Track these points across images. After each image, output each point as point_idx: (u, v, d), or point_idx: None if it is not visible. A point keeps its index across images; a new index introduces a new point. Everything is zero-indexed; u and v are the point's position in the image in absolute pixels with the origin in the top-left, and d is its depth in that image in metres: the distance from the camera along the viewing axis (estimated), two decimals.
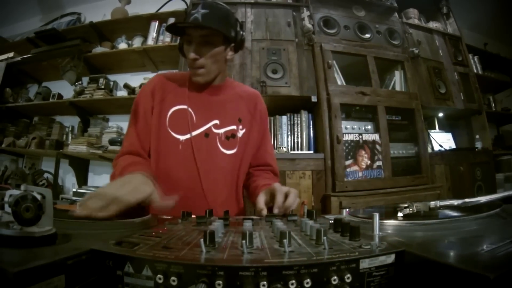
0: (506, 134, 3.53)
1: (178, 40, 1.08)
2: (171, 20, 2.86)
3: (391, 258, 0.40)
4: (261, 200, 0.91)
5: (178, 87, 1.10)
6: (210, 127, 1.07)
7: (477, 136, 2.98)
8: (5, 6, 3.33)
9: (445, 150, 2.77)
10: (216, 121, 1.08)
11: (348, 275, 0.36)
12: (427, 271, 0.37)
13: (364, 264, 0.38)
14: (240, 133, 1.11)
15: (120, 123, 3.01)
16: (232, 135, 1.09)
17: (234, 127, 1.11)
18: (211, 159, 1.05)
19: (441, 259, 0.36)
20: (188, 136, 1.04)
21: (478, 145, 2.93)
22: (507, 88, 3.66)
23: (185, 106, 1.06)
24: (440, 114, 3.02)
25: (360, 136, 2.30)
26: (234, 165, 1.10)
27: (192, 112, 1.06)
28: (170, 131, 1.04)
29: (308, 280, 0.34)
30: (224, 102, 1.12)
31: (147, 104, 1.06)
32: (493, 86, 3.56)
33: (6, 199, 0.41)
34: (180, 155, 1.03)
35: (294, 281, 0.34)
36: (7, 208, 0.40)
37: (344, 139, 2.23)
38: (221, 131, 1.08)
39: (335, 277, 0.36)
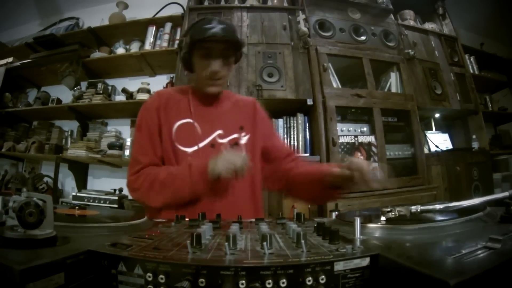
0: (504, 134, 3.54)
1: (182, 54, 1.10)
2: (168, 25, 2.89)
3: (366, 261, 0.42)
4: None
5: (180, 102, 1.13)
6: (215, 138, 1.10)
7: (474, 136, 2.99)
8: (4, 10, 3.35)
9: (442, 150, 2.79)
10: (220, 131, 1.11)
11: (323, 276, 0.39)
12: (398, 274, 0.39)
13: (339, 266, 0.40)
14: (244, 140, 1.14)
15: (118, 127, 3.05)
16: (235, 143, 1.12)
17: (236, 135, 1.13)
18: None
19: (409, 263, 0.38)
20: (195, 148, 1.07)
21: (475, 145, 2.94)
22: (504, 87, 3.68)
23: (190, 120, 1.09)
24: (437, 115, 3.03)
25: (356, 138, 2.32)
26: None
27: (197, 125, 1.09)
28: (177, 145, 1.06)
29: (284, 280, 0.37)
30: (225, 113, 1.16)
31: (153, 121, 1.08)
32: (490, 86, 3.58)
33: (10, 204, 0.44)
34: None
35: (271, 280, 0.37)
36: (11, 213, 0.44)
37: (340, 141, 2.25)
38: (225, 140, 1.12)
39: (310, 278, 0.38)
